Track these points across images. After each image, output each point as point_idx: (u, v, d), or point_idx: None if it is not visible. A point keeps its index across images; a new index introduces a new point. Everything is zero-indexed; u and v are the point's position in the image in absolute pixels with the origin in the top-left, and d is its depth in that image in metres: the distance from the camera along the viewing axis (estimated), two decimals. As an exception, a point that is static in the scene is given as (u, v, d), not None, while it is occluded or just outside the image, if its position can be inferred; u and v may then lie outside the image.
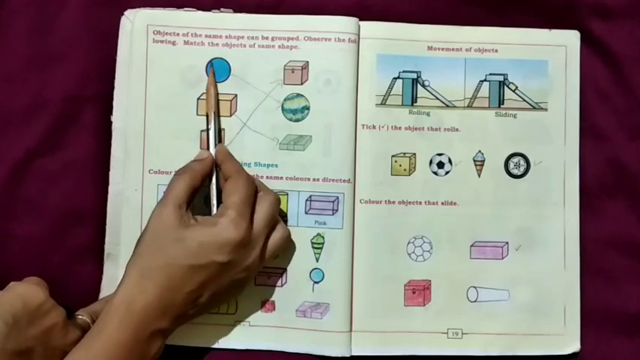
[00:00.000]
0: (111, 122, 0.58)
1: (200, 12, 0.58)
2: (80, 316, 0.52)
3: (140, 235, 0.51)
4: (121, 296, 0.49)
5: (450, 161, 0.59)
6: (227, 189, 0.53)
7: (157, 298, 0.49)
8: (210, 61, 0.58)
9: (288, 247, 0.57)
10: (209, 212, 0.54)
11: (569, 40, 0.60)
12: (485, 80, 0.59)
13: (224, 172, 0.54)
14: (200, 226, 0.51)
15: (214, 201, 0.54)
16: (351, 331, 0.57)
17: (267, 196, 0.54)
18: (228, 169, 0.54)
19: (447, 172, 0.59)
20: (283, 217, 0.57)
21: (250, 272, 0.53)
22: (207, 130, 0.56)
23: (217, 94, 0.57)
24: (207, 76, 0.58)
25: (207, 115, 0.56)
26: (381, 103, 0.58)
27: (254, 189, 0.53)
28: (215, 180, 0.55)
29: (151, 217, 0.51)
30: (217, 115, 0.57)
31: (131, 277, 0.50)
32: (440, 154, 0.59)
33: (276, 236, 0.54)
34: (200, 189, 0.53)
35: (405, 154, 0.58)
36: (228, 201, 0.52)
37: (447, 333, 0.58)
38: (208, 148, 0.55)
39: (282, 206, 0.57)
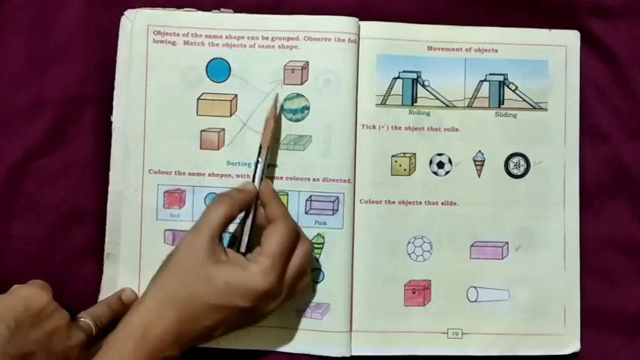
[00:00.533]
0: (111, 122, 0.58)
1: (200, 12, 0.58)
2: (83, 319, 0.52)
3: (168, 256, 0.51)
4: (140, 318, 0.48)
5: (450, 161, 0.59)
6: (268, 233, 0.51)
7: (175, 327, 0.48)
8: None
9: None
10: (238, 237, 0.53)
11: (569, 40, 0.60)
12: (485, 80, 0.59)
13: (268, 213, 0.52)
14: (230, 267, 0.50)
15: (246, 238, 0.53)
16: (351, 331, 0.57)
17: (303, 245, 0.52)
18: (274, 212, 0.52)
19: (447, 172, 0.59)
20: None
21: (266, 317, 0.52)
22: (257, 163, 0.54)
23: (276, 128, 0.56)
24: (208, 76, 0.58)
25: (260, 148, 0.54)
26: (381, 103, 0.58)
27: (295, 239, 0.52)
28: (252, 215, 0.53)
29: (183, 241, 0.50)
30: (270, 150, 0.55)
31: (153, 301, 0.49)
32: (440, 154, 0.59)
33: (302, 285, 0.53)
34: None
35: (405, 154, 0.58)
36: (266, 248, 0.50)
37: (447, 333, 0.58)
38: (253, 180, 0.54)
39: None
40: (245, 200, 0.52)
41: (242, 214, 0.53)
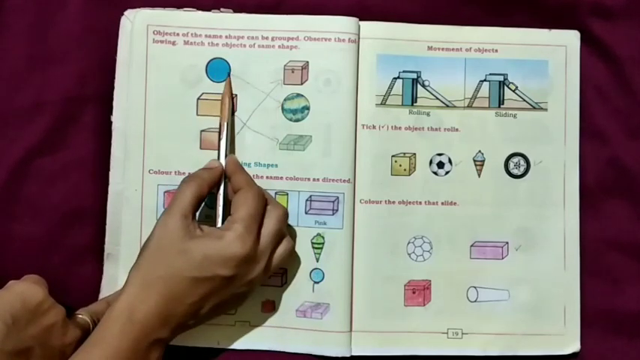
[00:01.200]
0: (111, 122, 0.58)
1: (200, 12, 0.58)
2: (80, 316, 0.52)
3: (145, 243, 0.51)
4: (123, 304, 0.49)
5: (450, 161, 0.59)
6: (236, 201, 0.52)
7: (159, 308, 0.48)
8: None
9: (292, 259, 0.56)
10: (214, 216, 0.54)
11: (569, 40, 0.60)
12: (485, 80, 0.59)
13: (234, 183, 0.53)
14: (205, 239, 0.50)
15: (220, 211, 0.54)
16: (351, 331, 0.57)
17: (275, 210, 0.53)
18: (239, 181, 0.53)
19: (447, 172, 0.59)
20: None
21: (253, 286, 0.53)
22: (219, 139, 0.55)
23: (232, 104, 0.57)
24: (208, 76, 0.58)
25: (219, 125, 0.56)
26: (381, 103, 0.58)
27: (263, 203, 0.53)
28: (223, 190, 0.54)
29: (156, 226, 0.51)
30: (230, 125, 0.56)
31: (133, 285, 0.49)
32: (440, 154, 0.59)
33: (280, 250, 0.53)
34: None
35: (405, 154, 0.58)
36: (236, 215, 0.51)
37: (447, 333, 0.58)
38: (218, 158, 0.55)
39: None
40: (212, 178, 0.53)
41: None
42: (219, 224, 0.53)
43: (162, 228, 0.50)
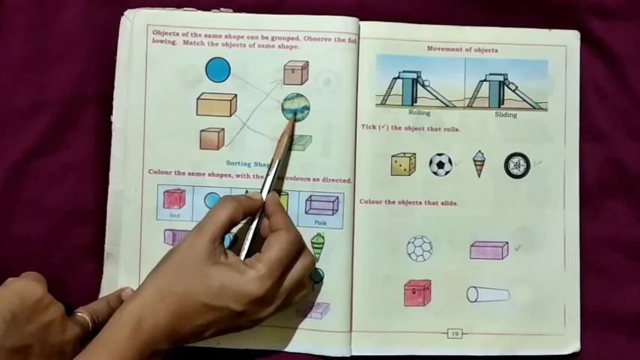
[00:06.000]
0: (111, 122, 0.58)
1: (200, 12, 0.58)
2: (79, 314, 0.52)
3: (169, 252, 0.51)
4: (134, 309, 0.49)
5: (450, 161, 0.59)
6: (270, 240, 0.52)
7: (166, 323, 0.49)
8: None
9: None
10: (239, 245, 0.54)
11: (569, 40, 0.60)
12: (485, 80, 0.59)
13: (273, 222, 0.53)
14: (227, 269, 0.50)
15: (247, 245, 0.53)
16: (351, 331, 0.57)
17: (306, 259, 0.53)
18: (280, 221, 0.52)
19: (447, 172, 0.59)
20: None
21: (258, 323, 0.52)
22: (267, 175, 0.55)
23: (290, 142, 0.57)
24: (207, 76, 0.58)
25: (271, 161, 0.55)
26: (381, 103, 0.58)
27: (297, 249, 0.52)
28: (256, 223, 0.53)
29: (185, 240, 0.51)
30: (281, 163, 0.55)
31: (147, 293, 0.49)
32: (440, 154, 0.59)
33: (297, 296, 0.54)
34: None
35: (405, 154, 0.58)
36: (265, 255, 0.51)
37: (447, 333, 0.58)
38: (261, 191, 0.54)
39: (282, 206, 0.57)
40: (250, 207, 0.53)
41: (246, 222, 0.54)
42: (242, 256, 0.53)
43: (190, 244, 0.50)
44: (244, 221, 0.54)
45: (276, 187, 0.57)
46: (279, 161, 0.55)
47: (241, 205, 0.52)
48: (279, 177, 0.57)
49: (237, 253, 0.53)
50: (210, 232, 0.50)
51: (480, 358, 0.58)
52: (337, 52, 0.57)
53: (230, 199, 0.52)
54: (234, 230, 0.54)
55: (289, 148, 0.57)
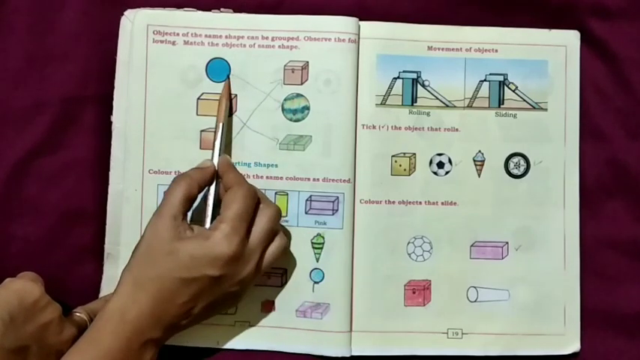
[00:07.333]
0: (111, 122, 0.58)
1: (200, 12, 0.58)
2: (77, 314, 0.52)
3: (137, 244, 0.51)
4: (115, 304, 0.49)
5: (450, 161, 0.59)
6: (225, 200, 0.52)
7: (150, 309, 0.49)
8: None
9: (285, 256, 0.56)
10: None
11: (569, 40, 0.60)
12: (485, 80, 0.59)
13: (225, 182, 0.53)
14: (193, 239, 0.50)
15: (209, 212, 0.53)
16: (351, 331, 0.57)
17: (267, 209, 0.53)
18: (229, 179, 0.53)
19: (447, 172, 0.59)
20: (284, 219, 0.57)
21: (245, 285, 0.52)
22: (214, 140, 0.55)
23: (231, 105, 0.57)
24: (208, 76, 0.58)
25: (215, 126, 0.55)
26: (381, 103, 0.58)
27: (254, 202, 0.52)
28: (213, 190, 0.54)
29: (147, 227, 0.51)
30: (225, 127, 0.56)
31: (125, 286, 0.50)
32: (440, 154, 0.59)
33: (272, 248, 0.53)
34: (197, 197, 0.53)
35: (405, 154, 0.58)
36: (224, 214, 0.51)
37: (447, 333, 0.58)
38: (212, 158, 0.54)
39: (282, 206, 0.57)
40: (203, 177, 0.53)
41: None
42: (207, 225, 0.53)
43: (152, 229, 0.50)
44: (205, 191, 0.54)
45: (276, 187, 0.57)
46: (223, 124, 0.55)
47: (193, 179, 0.52)
48: (279, 176, 0.57)
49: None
50: (168, 212, 0.50)
51: (479, 358, 0.58)
52: (337, 52, 0.57)
53: (181, 176, 0.52)
54: (196, 203, 0.54)
55: (230, 113, 0.57)
